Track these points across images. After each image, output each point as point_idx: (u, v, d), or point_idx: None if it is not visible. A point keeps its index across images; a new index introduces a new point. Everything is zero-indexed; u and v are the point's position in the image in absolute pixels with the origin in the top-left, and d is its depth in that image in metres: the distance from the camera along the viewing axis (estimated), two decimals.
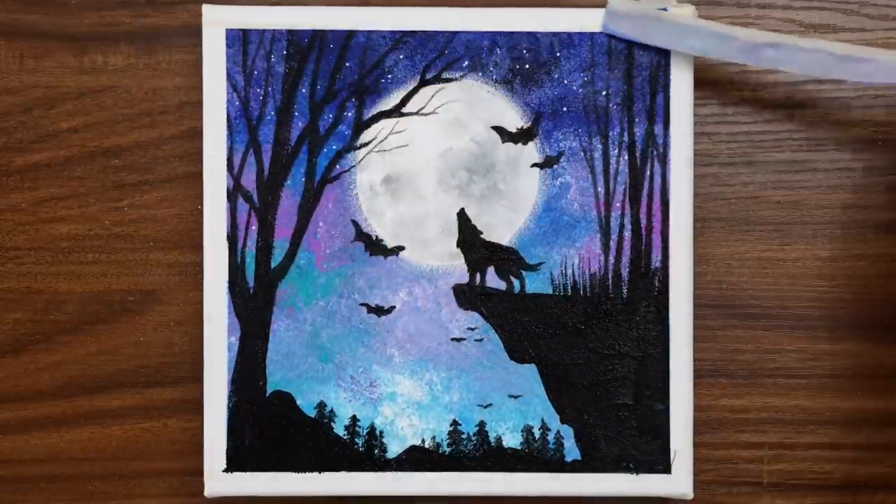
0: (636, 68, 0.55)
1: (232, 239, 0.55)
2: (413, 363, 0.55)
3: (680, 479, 0.55)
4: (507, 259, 0.55)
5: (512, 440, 0.55)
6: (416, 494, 0.56)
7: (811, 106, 0.57)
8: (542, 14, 0.55)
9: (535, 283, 0.55)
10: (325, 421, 0.55)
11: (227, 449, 0.55)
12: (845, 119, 0.57)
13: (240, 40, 0.55)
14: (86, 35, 0.57)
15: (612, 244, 0.55)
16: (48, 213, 0.57)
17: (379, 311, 0.55)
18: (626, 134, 0.55)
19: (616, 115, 0.55)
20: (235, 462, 0.55)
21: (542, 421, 0.55)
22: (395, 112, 0.55)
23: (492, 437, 0.55)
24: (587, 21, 0.54)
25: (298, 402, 0.55)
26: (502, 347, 0.55)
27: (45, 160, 0.57)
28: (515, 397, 0.55)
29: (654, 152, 0.55)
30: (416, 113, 0.55)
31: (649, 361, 0.55)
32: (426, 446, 0.55)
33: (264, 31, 0.55)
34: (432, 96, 0.55)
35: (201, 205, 0.56)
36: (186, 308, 0.57)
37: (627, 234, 0.55)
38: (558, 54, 0.55)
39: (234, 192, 0.55)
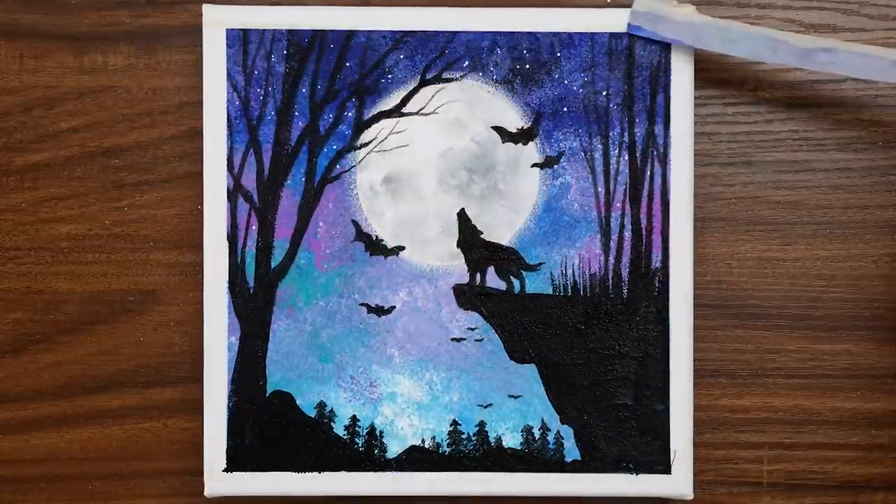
0: (637, 68, 0.55)
1: (232, 239, 0.55)
2: (413, 363, 0.55)
3: (680, 479, 0.55)
4: (508, 259, 0.55)
5: (512, 440, 0.55)
6: (416, 494, 0.56)
7: (811, 106, 0.57)
8: (543, 14, 0.55)
9: (536, 284, 0.55)
10: (325, 421, 0.55)
11: (227, 449, 0.55)
12: (845, 119, 0.57)
13: (240, 40, 0.55)
14: (86, 35, 0.57)
15: (613, 244, 0.55)
16: (48, 213, 0.57)
17: (379, 311, 0.55)
18: (626, 134, 0.55)
19: (616, 115, 0.55)
20: (235, 462, 0.55)
21: (542, 421, 0.55)
22: (396, 112, 0.55)
23: (492, 437, 0.55)
24: (588, 21, 0.54)
25: (298, 402, 0.55)
26: (502, 347, 0.55)
27: (45, 160, 0.57)
28: (515, 397, 0.55)
29: (655, 152, 0.55)
30: (417, 113, 0.55)
31: (649, 361, 0.55)
32: (426, 446, 0.55)
33: (265, 30, 0.55)
34: (432, 96, 0.55)
35: (201, 205, 0.56)
36: (186, 308, 0.57)
37: (628, 234, 0.55)
38: (559, 54, 0.55)
39: (235, 192, 0.55)
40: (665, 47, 0.54)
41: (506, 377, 0.55)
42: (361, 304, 0.55)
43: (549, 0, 0.56)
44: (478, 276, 0.55)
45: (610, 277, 0.55)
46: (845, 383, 0.57)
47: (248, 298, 0.55)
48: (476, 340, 0.55)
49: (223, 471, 0.55)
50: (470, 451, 0.55)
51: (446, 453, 0.55)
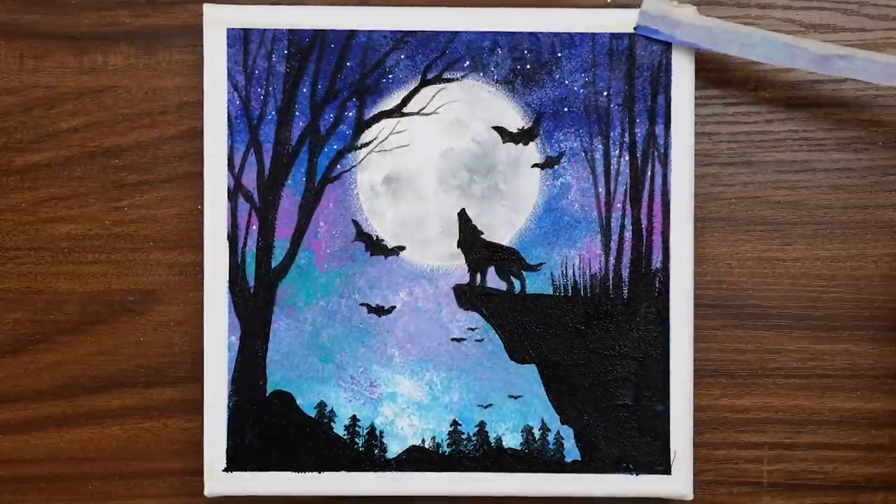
0: (637, 69, 0.55)
1: (232, 238, 0.55)
2: (413, 363, 0.55)
3: (680, 479, 0.55)
4: (508, 259, 0.55)
5: (512, 440, 0.55)
6: (416, 494, 0.56)
7: (811, 106, 0.57)
8: (544, 14, 0.55)
9: (536, 284, 0.55)
10: (325, 421, 0.55)
11: (227, 449, 0.55)
12: (845, 119, 0.57)
13: (241, 40, 0.55)
14: (86, 35, 0.57)
15: (613, 245, 0.55)
16: (48, 213, 0.57)
17: (379, 311, 0.55)
18: (627, 134, 0.55)
19: (617, 115, 0.55)
20: (235, 462, 0.55)
21: (543, 421, 0.55)
22: (396, 112, 0.55)
23: (492, 437, 0.55)
24: (589, 21, 0.54)
25: (298, 402, 0.55)
26: (503, 348, 0.55)
27: (45, 160, 0.57)
28: (515, 398, 0.55)
29: (655, 153, 0.55)
30: (417, 113, 0.55)
31: (650, 362, 0.55)
32: (426, 446, 0.55)
33: (265, 30, 0.54)
34: (433, 96, 0.55)
35: (201, 205, 0.56)
36: (186, 308, 0.57)
37: (628, 234, 0.55)
38: (559, 54, 0.55)
39: (235, 192, 0.55)
40: (666, 48, 0.54)
41: (506, 377, 0.55)
42: (362, 304, 0.55)
43: (549, 0, 0.56)
44: (478, 277, 0.55)
45: (610, 278, 0.55)
46: (845, 383, 0.57)
47: (248, 298, 0.55)
48: (476, 340, 0.55)
49: (223, 471, 0.55)
50: (470, 451, 0.55)
51: (446, 453, 0.55)
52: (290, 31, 0.55)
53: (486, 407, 0.55)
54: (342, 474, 0.55)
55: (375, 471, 0.55)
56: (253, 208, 0.55)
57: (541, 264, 0.55)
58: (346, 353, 0.55)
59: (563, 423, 0.55)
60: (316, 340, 0.55)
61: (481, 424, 0.55)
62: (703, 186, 0.57)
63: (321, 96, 0.55)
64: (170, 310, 0.57)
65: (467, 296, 0.55)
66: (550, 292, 0.55)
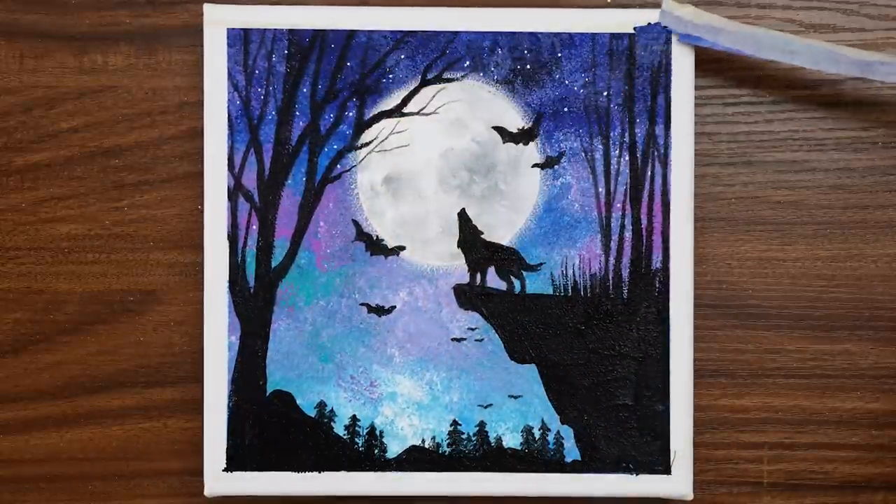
0: (637, 69, 0.55)
1: (232, 238, 0.55)
2: (413, 363, 0.55)
3: (680, 479, 0.55)
4: (508, 259, 0.55)
5: (512, 440, 0.55)
6: (416, 494, 0.56)
7: (811, 106, 0.57)
8: (544, 14, 0.55)
9: (536, 284, 0.55)
10: (325, 421, 0.55)
11: (227, 449, 0.55)
12: (845, 119, 0.57)
13: (241, 40, 0.55)
14: (86, 35, 0.57)
15: (613, 245, 0.55)
16: (48, 213, 0.57)
17: (379, 310, 0.55)
18: (626, 134, 0.55)
19: (617, 115, 0.55)
20: (235, 462, 0.55)
21: (543, 421, 0.55)
22: (396, 112, 0.55)
23: (492, 437, 0.55)
24: (589, 21, 0.54)
25: (298, 402, 0.55)
26: (503, 348, 0.55)
27: (45, 160, 0.57)
28: (515, 397, 0.55)
29: (655, 153, 0.55)
30: (417, 113, 0.55)
31: (649, 362, 0.55)
32: (426, 446, 0.55)
33: (265, 30, 0.54)
34: (433, 96, 0.55)
35: (201, 205, 0.56)
36: (186, 308, 0.57)
37: (628, 234, 0.55)
38: (559, 55, 0.55)
39: (235, 192, 0.55)
40: (666, 48, 0.54)
41: (506, 377, 0.55)
42: (362, 304, 0.55)
43: (549, 0, 0.56)
44: (478, 276, 0.55)
45: (610, 278, 0.55)
46: (845, 383, 0.57)
47: (248, 298, 0.55)
48: (476, 340, 0.55)
49: (223, 471, 0.55)
50: (470, 451, 0.55)
51: (446, 453, 0.55)
52: (291, 31, 0.55)
53: (486, 407, 0.55)
54: (342, 474, 0.55)
55: (375, 471, 0.55)
56: (253, 208, 0.55)
57: (541, 264, 0.55)
58: (346, 352, 0.55)
59: (563, 422, 0.55)
60: (316, 340, 0.55)
61: (481, 424, 0.55)
62: (703, 186, 0.57)
63: (321, 96, 0.55)
64: (170, 310, 0.57)
65: (467, 296, 0.55)
66: (550, 292, 0.55)
